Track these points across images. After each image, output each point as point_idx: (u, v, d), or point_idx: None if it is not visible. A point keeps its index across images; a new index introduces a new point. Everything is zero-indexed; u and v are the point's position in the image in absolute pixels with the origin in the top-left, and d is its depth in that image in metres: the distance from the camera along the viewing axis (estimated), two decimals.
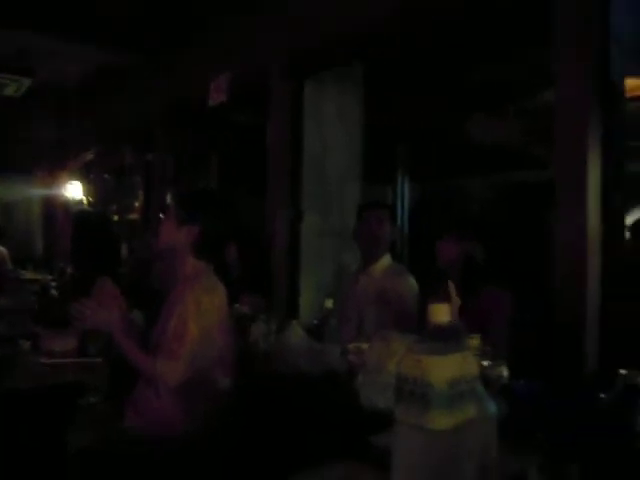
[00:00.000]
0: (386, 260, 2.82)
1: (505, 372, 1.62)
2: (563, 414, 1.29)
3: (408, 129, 3.96)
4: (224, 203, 2.38)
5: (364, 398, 1.72)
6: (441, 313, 0.98)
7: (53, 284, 3.95)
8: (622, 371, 1.58)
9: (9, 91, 5.86)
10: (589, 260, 2.26)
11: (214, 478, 1.87)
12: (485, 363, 1.64)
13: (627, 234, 4.38)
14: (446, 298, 2.33)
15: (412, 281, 2.73)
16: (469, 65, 4.09)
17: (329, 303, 2.34)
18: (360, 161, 3.88)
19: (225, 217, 2.23)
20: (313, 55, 3.49)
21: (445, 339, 0.97)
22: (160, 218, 3.84)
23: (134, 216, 6.05)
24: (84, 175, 6.78)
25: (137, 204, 6.06)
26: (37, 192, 7.55)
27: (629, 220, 5.01)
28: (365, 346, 2.11)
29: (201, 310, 1.96)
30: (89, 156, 6.48)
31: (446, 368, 0.94)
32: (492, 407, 1.10)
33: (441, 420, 0.94)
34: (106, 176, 6.58)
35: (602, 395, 1.38)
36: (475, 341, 1.09)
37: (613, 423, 1.32)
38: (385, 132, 3.86)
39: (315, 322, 2.49)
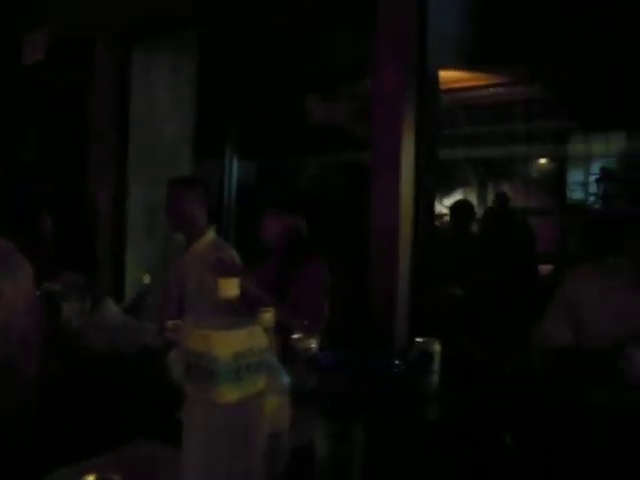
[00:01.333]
0: (209, 236, 2.80)
1: (314, 344, 1.68)
2: (359, 379, 1.37)
3: (240, 106, 3.96)
4: (35, 171, 2.20)
5: (175, 375, 1.69)
6: (230, 288, 0.97)
7: None
8: (418, 339, 1.72)
9: None
10: (401, 237, 2.42)
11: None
12: (295, 336, 1.69)
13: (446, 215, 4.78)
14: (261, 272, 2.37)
15: (234, 255, 2.73)
16: (303, 47, 4.16)
17: (146, 279, 2.27)
18: (191, 135, 3.79)
19: (35, 184, 2.06)
20: (140, 22, 3.32)
21: (233, 313, 0.97)
22: None
23: None
24: None
25: None
26: None
27: (448, 202, 5.47)
28: (182, 322, 2.08)
29: (2, 299, 1.79)
30: None
31: (232, 342, 0.94)
32: (284, 378, 1.13)
33: (228, 394, 0.94)
34: None
35: (397, 361, 1.48)
36: (268, 315, 1.11)
37: (405, 386, 1.42)
38: (217, 109, 3.82)
39: (132, 298, 2.40)
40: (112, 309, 2.12)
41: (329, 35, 4.06)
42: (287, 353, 1.63)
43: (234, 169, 3.85)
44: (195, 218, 2.78)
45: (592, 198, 5.42)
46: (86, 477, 0.77)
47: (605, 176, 5.20)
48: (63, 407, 1.96)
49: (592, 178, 5.36)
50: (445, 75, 4.89)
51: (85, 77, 3.66)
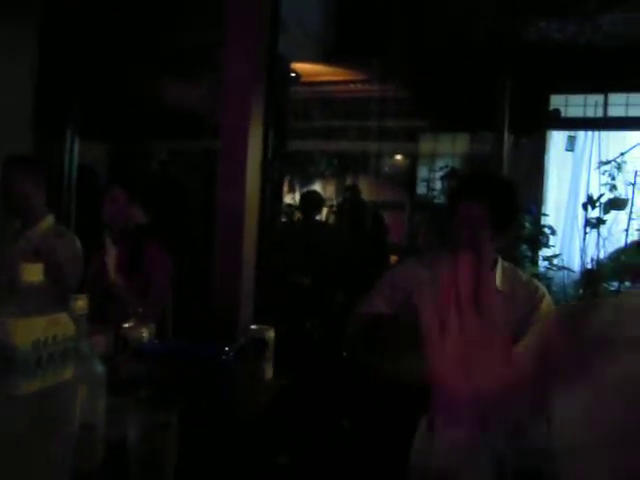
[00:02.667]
0: (47, 222, 2.62)
1: (146, 333, 1.63)
2: (186, 367, 1.35)
3: (83, 86, 3.74)
4: None
5: None
6: (33, 273, 0.92)
7: None
8: (252, 326, 1.73)
9: None
10: (246, 225, 2.42)
11: None
12: (126, 325, 1.64)
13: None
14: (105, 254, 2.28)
15: (73, 241, 2.58)
16: (158, 26, 4.02)
17: None
18: (30, 112, 3.51)
19: None
20: None
21: (35, 300, 0.91)
22: None
23: None
24: None
25: None
26: None
27: (299, 193, 5.57)
28: None
29: None
30: None
31: (33, 330, 0.89)
32: (98, 366, 1.08)
33: (26, 385, 0.89)
34: None
35: (227, 348, 1.48)
36: (80, 302, 1.06)
37: (235, 371, 1.43)
38: (58, 88, 3.58)
39: None
40: None
41: (185, 16, 3.96)
42: (118, 342, 1.58)
43: (75, 150, 3.64)
44: (31, 201, 2.59)
45: (436, 194, 5.77)
46: None
47: (450, 174, 5.56)
48: None
49: (437, 175, 5.72)
50: (303, 68, 4.97)
51: None
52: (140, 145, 4.59)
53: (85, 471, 1.07)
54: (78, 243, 2.62)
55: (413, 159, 6.73)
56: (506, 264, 2.07)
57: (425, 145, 6.48)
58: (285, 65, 2.80)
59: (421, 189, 6.44)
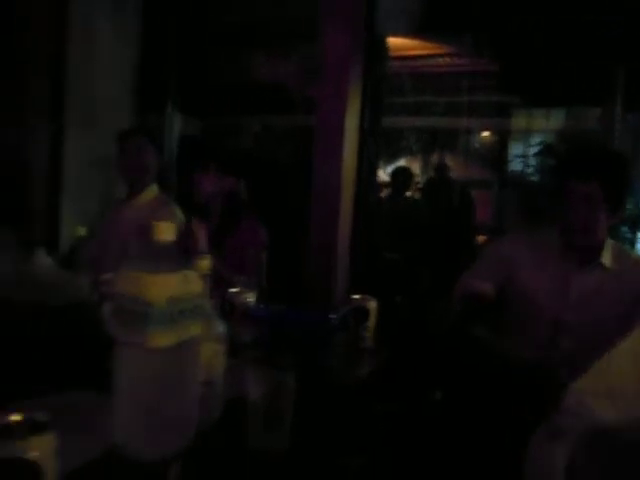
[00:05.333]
0: (152, 191, 2.74)
1: (251, 298, 1.68)
2: (292, 332, 1.39)
3: (182, 61, 3.85)
4: None
5: (109, 327, 1.66)
6: (165, 232, 0.96)
7: None
8: (354, 296, 1.74)
9: None
10: (343, 199, 2.43)
11: None
12: (233, 289, 1.69)
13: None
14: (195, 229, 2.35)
15: (177, 211, 2.68)
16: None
17: (82, 231, 2.20)
18: (132, 88, 3.67)
19: None
20: None
21: (168, 258, 0.96)
22: None
23: None
24: None
25: None
26: None
27: (390, 169, 5.53)
28: (117, 275, 2.04)
29: None
30: None
31: (166, 286, 0.93)
32: (220, 326, 1.13)
33: (160, 338, 0.93)
34: None
35: (332, 316, 1.50)
36: (204, 262, 1.10)
37: (339, 339, 1.45)
38: (160, 62, 3.70)
39: (66, 251, 2.33)
40: (43, 261, 2.05)
41: None
42: (225, 306, 1.63)
43: (176, 124, 3.76)
44: (150, 171, 2.71)
45: (530, 171, 5.57)
46: (11, 416, 0.75)
47: (545, 150, 5.35)
48: None
49: (531, 151, 5.52)
50: (393, 42, 4.89)
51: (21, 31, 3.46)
52: (233, 120, 4.68)
53: (204, 425, 1.11)
54: (179, 212, 2.72)
55: (504, 135, 6.51)
56: (614, 243, 1.97)
57: (518, 121, 6.25)
58: (381, 39, 2.76)
59: (513, 166, 6.24)
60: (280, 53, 4.56)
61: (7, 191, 3.20)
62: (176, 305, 0.94)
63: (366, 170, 2.58)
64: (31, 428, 0.73)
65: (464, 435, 1.83)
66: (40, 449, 0.72)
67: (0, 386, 1.74)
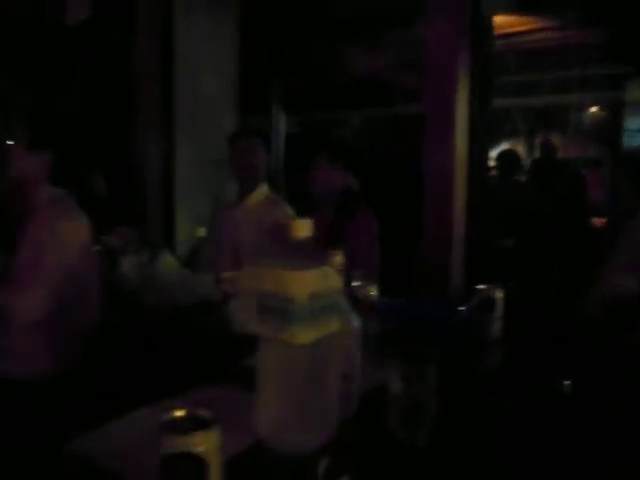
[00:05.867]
0: (263, 190, 2.79)
1: (374, 291, 1.67)
2: (424, 324, 1.36)
3: (284, 60, 3.89)
4: (81, 127, 2.23)
5: (236, 324, 1.71)
6: (302, 229, 0.96)
7: None
8: (479, 286, 1.69)
9: None
10: (456, 186, 2.37)
11: (83, 415, 1.80)
12: (355, 283, 1.69)
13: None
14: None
15: (289, 210, 2.72)
16: None
17: (201, 232, 2.28)
18: (235, 89, 3.76)
19: (82, 141, 2.09)
20: None
21: (306, 254, 0.96)
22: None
23: None
24: None
25: None
26: None
27: (495, 151, 5.34)
28: (239, 274, 2.10)
29: (56, 236, 1.81)
30: None
31: (307, 282, 0.94)
32: (355, 320, 1.12)
33: (303, 334, 0.94)
34: None
35: (461, 308, 1.46)
36: (338, 257, 1.10)
37: (469, 331, 1.41)
38: (259, 62, 3.77)
39: (187, 251, 2.42)
40: (169, 262, 2.15)
41: None
42: (349, 300, 1.62)
43: (281, 123, 3.81)
44: (261, 171, 2.77)
45: None
46: (174, 412, 0.78)
47: None
48: (122, 357, 2.02)
49: None
50: (496, 20, 4.69)
51: (127, 32, 3.65)
52: (331, 115, 4.70)
53: (342, 419, 1.11)
54: (290, 211, 2.76)
55: (616, 109, 6.09)
56: None
57: (631, 93, 5.83)
58: (486, 19, 2.65)
59: (627, 142, 5.83)
60: (374, 45, 4.52)
61: (126, 196, 3.39)
62: (317, 301, 0.94)
63: (478, 156, 2.49)
64: (196, 424, 0.75)
65: (594, 432, 1.73)
66: (205, 444, 0.74)
67: (143, 385, 1.85)
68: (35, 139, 1.91)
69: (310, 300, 0.93)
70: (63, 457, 1.06)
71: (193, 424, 0.75)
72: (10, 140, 1.97)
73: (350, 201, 2.49)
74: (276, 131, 3.80)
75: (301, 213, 2.75)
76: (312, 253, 0.97)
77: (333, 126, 4.80)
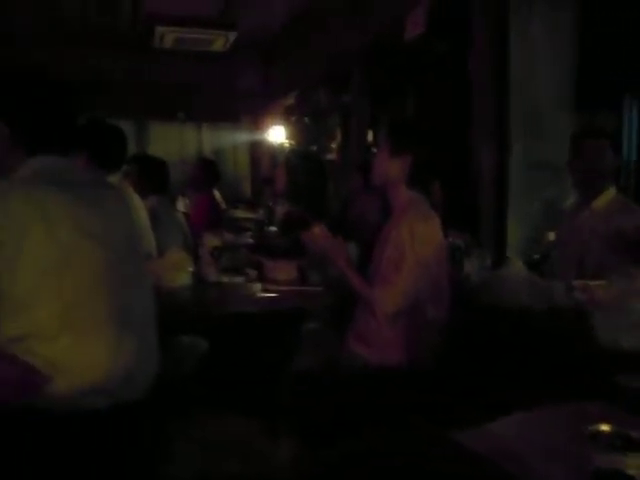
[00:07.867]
0: (610, 193, 2.53)
1: None
2: None
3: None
4: (431, 133, 2.34)
5: (604, 338, 1.58)
6: None
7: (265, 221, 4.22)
8: None
9: (217, 46, 6.23)
10: None
11: (439, 408, 1.87)
12: None
13: None
14: None
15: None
16: None
17: (551, 236, 2.19)
18: (573, 86, 3.52)
19: (433, 146, 2.21)
20: None
21: None
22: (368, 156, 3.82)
23: (332, 156, 6.17)
24: (286, 119, 7.03)
25: (334, 145, 6.17)
26: (243, 138, 8.03)
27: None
28: (594, 283, 1.96)
29: (416, 238, 1.96)
30: (289, 100, 6.70)
31: None
32: None
33: None
34: (305, 119, 6.76)
35: None
36: None
37: None
38: (606, 52, 3.42)
39: (536, 257, 2.35)
40: (518, 266, 2.11)
41: None
42: None
43: (635, 118, 3.42)
44: (608, 175, 2.55)
45: None
46: (597, 425, 0.74)
47: None
48: (469, 357, 2.04)
49: None
50: None
51: (459, 42, 3.71)
52: None
53: None
54: None
55: None
56: None
57: None
58: None
59: None
60: None
61: (462, 197, 3.46)
62: None
63: None
64: (627, 443, 0.70)
65: None
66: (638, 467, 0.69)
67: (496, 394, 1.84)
68: (396, 145, 2.07)
69: None
70: (449, 446, 1.11)
71: (624, 442, 0.70)
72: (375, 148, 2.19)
73: None
74: (629, 128, 3.43)
75: None
76: None
77: None
